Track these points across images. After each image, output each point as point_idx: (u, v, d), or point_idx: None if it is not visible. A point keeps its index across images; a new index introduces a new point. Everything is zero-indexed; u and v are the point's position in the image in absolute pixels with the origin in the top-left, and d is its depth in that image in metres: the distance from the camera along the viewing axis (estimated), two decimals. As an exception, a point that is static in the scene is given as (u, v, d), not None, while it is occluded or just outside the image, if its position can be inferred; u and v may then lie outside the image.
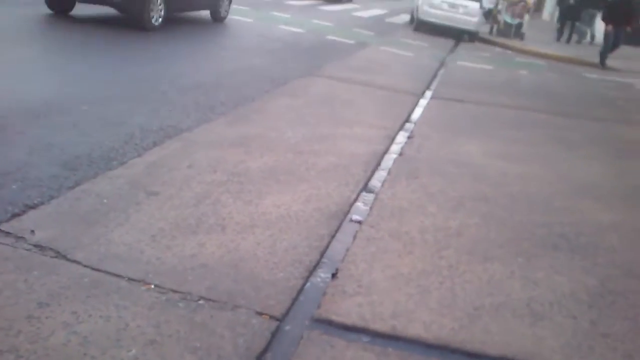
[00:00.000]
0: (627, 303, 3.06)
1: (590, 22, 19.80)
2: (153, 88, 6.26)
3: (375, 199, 4.14)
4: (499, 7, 18.62)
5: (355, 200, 4.10)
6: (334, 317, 2.69)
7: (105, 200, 3.56)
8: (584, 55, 15.30)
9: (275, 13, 15.72)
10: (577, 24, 19.53)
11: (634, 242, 3.86)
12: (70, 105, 5.22)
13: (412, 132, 6.05)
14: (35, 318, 2.44)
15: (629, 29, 13.92)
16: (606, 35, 14.04)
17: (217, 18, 12.62)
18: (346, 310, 2.74)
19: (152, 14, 9.75)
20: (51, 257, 2.91)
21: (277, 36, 11.84)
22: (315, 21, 15.41)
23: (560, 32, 19.75)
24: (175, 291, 2.73)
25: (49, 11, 9.84)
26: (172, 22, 11.08)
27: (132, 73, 6.83)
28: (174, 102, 5.83)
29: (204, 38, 10.60)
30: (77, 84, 6.01)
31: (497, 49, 15.90)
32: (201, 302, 2.68)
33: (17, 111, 4.83)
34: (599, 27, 17.56)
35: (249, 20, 13.58)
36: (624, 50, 14.47)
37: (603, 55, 14.10)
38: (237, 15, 13.94)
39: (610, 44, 13.96)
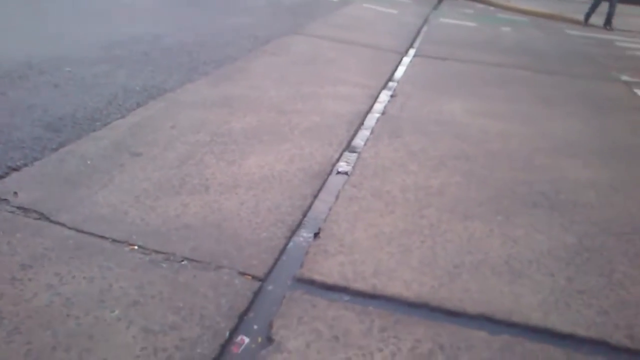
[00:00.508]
0: (603, 260, 3.12)
1: None
2: (134, 49, 6.19)
3: (358, 158, 4.16)
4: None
5: (338, 159, 4.12)
6: (316, 277, 2.72)
7: (89, 162, 3.56)
8: (566, 11, 15.24)
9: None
10: None
11: (611, 199, 3.91)
12: (52, 66, 5.16)
13: (395, 90, 6.05)
14: (19, 280, 2.46)
15: None
16: None
17: None
18: (328, 270, 2.78)
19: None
20: (35, 219, 2.92)
21: (259, -7, 11.70)
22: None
23: None
24: (158, 252, 2.76)
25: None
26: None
27: (111, 34, 6.73)
28: (156, 63, 5.79)
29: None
30: (57, 44, 5.94)
31: (480, 6, 15.81)
32: (184, 262, 2.70)
33: (-4, 72, 4.78)
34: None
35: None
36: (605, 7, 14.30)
37: (588, 13, 13.85)
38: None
39: (598, 1, 13.66)
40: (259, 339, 2.31)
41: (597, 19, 14.04)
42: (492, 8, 15.60)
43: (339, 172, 3.93)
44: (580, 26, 13.83)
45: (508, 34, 11.47)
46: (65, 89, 4.69)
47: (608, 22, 13.83)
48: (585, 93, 6.99)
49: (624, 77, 8.19)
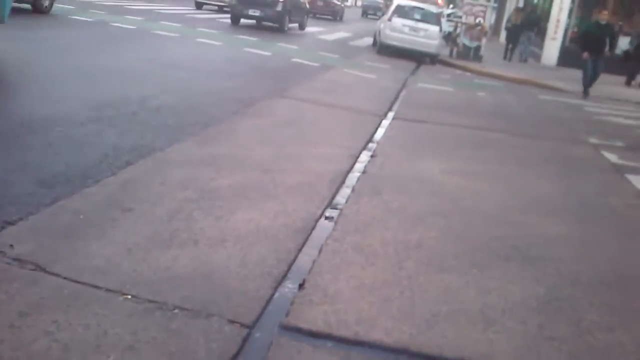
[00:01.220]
0: (572, 309, 3.31)
1: (529, 43, 20.84)
2: (123, 109, 6.38)
3: (340, 214, 4.35)
4: (458, 30, 19.21)
5: (321, 216, 4.30)
6: (302, 325, 2.87)
7: (82, 216, 3.70)
8: (538, 77, 15.81)
9: (242, 37, 15.90)
10: (519, 44, 20.65)
11: (580, 253, 4.14)
12: (45, 126, 5.33)
13: (374, 151, 6.29)
14: (17, 327, 2.57)
15: (608, 54, 13.71)
16: (584, 63, 13.84)
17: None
18: (313, 318, 2.93)
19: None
20: (30, 269, 3.03)
21: (244, 59, 12.03)
22: (281, 44, 15.64)
23: (506, 51, 20.89)
24: (151, 301, 2.89)
25: None
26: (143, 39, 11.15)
27: (100, 95, 6.92)
28: (145, 123, 5.98)
29: (171, 60, 10.69)
30: (49, 105, 6.11)
31: (457, 71, 16.32)
32: (176, 311, 2.84)
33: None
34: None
35: (217, 43, 13.75)
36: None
37: (584, 84, 13.90)
38: (205, 38, 14.10)
39: (590, 73, 13.74)
40: (248, 382, 2.44)
41: (571, 84, 14.52)
42: (468, 74, 16.12)
43: (326, 218, 4.27)
44: (552, 91, 14.26)
45: (483, 98, 11.90)
46: (58, 147, 4.85)
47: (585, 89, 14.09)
48: (555, 155, 7.31)
49: (592, 140, 8.56)
